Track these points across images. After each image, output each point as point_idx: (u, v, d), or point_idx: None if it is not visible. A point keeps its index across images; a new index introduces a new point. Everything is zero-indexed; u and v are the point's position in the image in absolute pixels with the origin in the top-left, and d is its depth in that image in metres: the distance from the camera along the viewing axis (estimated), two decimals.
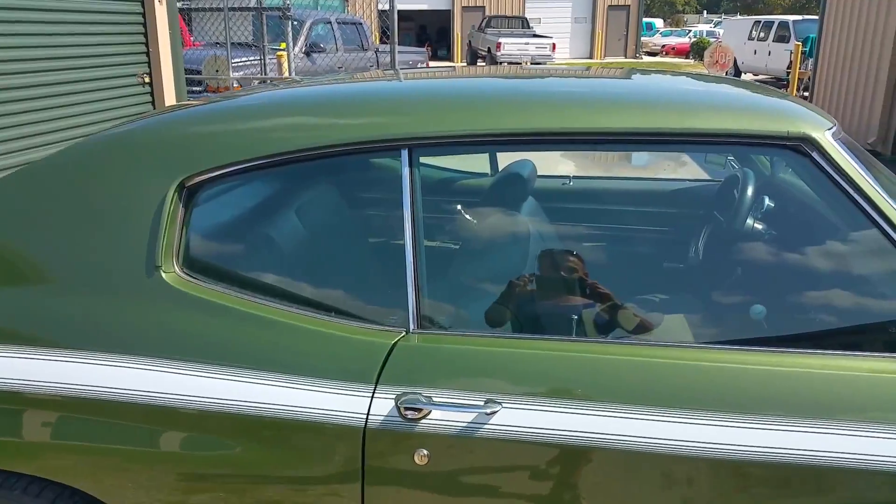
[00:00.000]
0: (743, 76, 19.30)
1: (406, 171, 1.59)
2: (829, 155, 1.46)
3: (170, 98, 6.62)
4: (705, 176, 2.61)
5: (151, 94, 6.54)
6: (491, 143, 1.60)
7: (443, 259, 1.81)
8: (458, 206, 2.06)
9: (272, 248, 1.74)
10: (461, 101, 1.67)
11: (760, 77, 18.68)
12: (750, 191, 1.99)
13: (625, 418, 1.40)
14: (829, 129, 1.52)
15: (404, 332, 1.56)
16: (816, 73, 10.88)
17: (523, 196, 2.33)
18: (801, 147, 1.48)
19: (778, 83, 16.70)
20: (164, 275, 1.60)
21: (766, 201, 2.05)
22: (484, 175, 2.64)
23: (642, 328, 1.92)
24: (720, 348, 1.47)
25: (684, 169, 2.68)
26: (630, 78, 1.91)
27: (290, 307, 1.60)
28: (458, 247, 1.92)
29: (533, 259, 1.94)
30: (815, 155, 1.47)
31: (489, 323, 1.75)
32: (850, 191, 1.44)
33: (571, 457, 1.41)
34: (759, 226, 2.04)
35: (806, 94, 11.77)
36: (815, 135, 1.48)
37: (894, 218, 1.42)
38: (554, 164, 2.74)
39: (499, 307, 1.76)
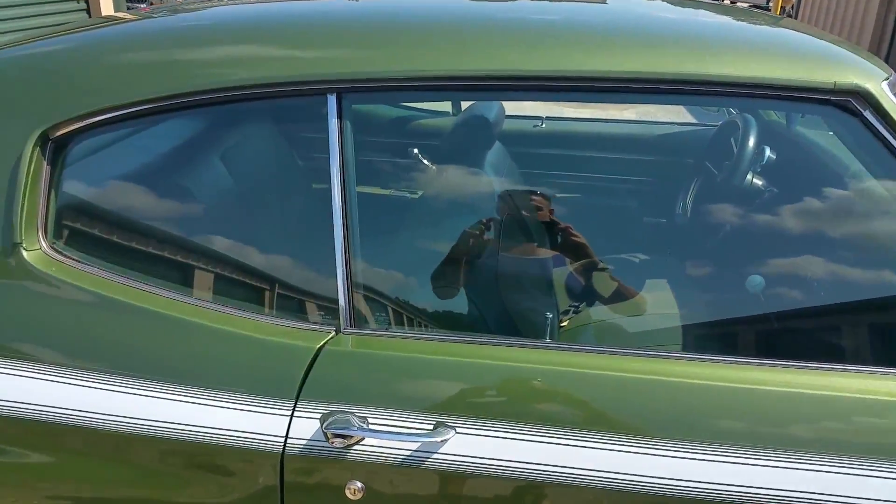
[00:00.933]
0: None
1: (334, 123, 1.21)
2: (889, 113, 1.12)
3: (106, 8, 5.99)
4: (703, 121, 2.26)
5: (87, 2, 5.91)
6: (449, 87, 1.23)
7: (385, 233, 1.45)
8: (408, 157, 1.69)
9: (166, 220, 1.36)
10: (410, 29, 1.29)
11: (739, 4, 18.06)
12: (753, 142, 1.66)
13: (608, 449, 1.10)
14: (887, 80, 1.18)
15: (333, 333, 1.22)
16: (800, 4, 10.44)
17: (488, 143, 1.97)
18: (850, 104, 1.13)
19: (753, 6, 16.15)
20: (25, 253, 1.24)
21: (771, 154, 1.72)
22: (444, 115, 2.26)
23: (620, 296, 1.64)
24: (722, 361, 1.15)
25: (677, 110, 2.32)
26: (629, 4, 1.53)
27: (188, 298, 1.25)
28: (404, 216, 1.57)
29: (497, 221, 1.60)
30: (867, 114, 1.13)
31: (439, 295, 1.42)
32: None
33: (541, 495, 1.11)
34: (763, 184, 1.72)
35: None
36: (870, 86, 1.13)
37: None
38: (523, 103, 2.38)
39: (449, 276, 1.43)
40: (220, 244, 1.32)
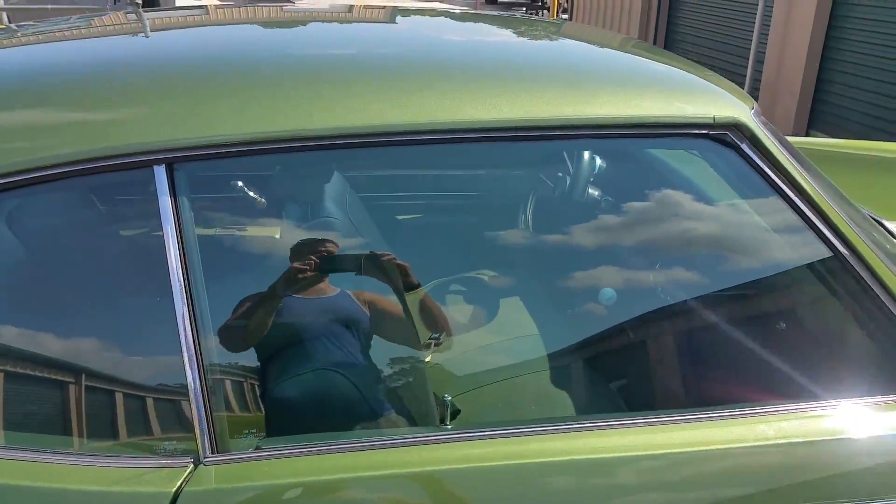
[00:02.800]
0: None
1: (167, 201, 0.97)
2: (763, 143, 1.10)
3: None
4: None
5: None
6: (305, 148, 1.02)
7: (242, 320, 1.21)
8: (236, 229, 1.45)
9: None
10: (251, 77, 1.07)
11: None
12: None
13: None
14: (752, 110, 1.17)
15: (192, 467, 0.97)
16: None
17: (327, 177, 1.78)
18: (727, 136, 1.10)
19: (533, 4, 17.12)
20: None
21: (602, 163, 1.70)
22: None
23: (477, 319, 1.57)
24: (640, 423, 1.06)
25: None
26: (483, 32, 1.42)
27: None
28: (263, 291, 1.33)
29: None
30: (744, 146, 1.10)
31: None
32: (786, 189, 1.10)
33: None
34: (599, 194, 1.70)
35: (565, 15, 12.06)
36: (744, 118, 1.11)
37: (838, 222, 1.11)
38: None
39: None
40: (42, 354, 1.01)
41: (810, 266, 1.16)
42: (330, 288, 1.34)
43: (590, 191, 1.74)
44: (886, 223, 1.72)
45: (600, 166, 1.73)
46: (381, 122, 0.99)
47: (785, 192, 1.10)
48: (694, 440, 1.02)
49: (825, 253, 1.12)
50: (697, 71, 1.30)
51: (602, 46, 1.36)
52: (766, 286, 1.24)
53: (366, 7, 1.83)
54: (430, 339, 1.54)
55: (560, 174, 1.83)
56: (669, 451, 1.01)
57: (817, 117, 6.46)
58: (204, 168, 1.00)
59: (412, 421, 1.30)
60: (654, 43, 9.12)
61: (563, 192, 1.81)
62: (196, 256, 0.99)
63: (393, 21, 1.57)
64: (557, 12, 12.47)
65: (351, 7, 1.87)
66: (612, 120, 1.05)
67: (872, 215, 1.76)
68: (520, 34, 1.47)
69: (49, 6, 6.46)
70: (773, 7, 6.64)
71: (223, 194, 1.20)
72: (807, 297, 1.24)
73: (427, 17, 1.65)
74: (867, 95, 5.85)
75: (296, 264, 1.23)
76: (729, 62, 7.68)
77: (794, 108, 6.49)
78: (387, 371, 1.39)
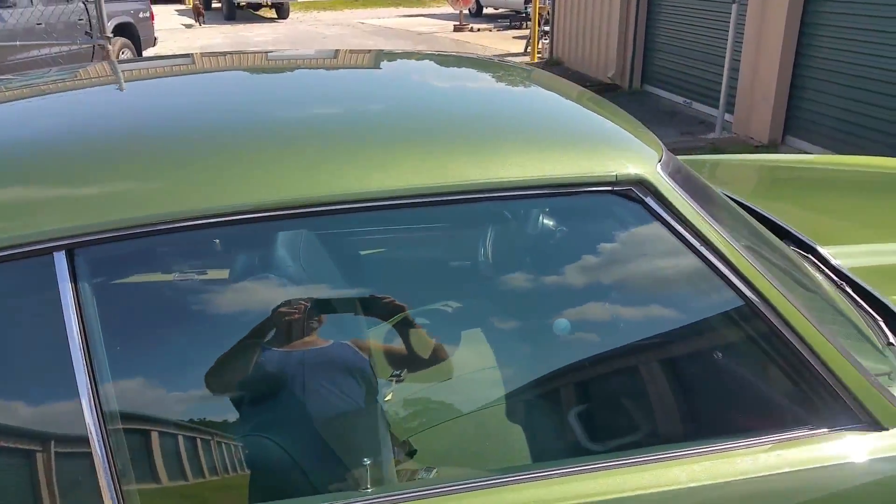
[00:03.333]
0: (484, 10, 19.68)
1: (68, 295, 0.95)
2: (667, 199, 1.14)
3: None
4: None
5: None
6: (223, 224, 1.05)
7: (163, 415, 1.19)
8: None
9: None
10: (167, 151, 1.10)
11: (501, 11, 19.15)
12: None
13: None
14: (660, 161, 1.20)
15: None
16: (555, 7, 11.22)
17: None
18: (632, 192, 1.14)
19: (517, 16, 17.22)
20: None
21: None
22: None
23: (439, 355, 1.58)
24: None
25: None
26: (409, 87, 1.45)
27: None
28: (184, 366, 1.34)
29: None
30: (648, 200, 1.14)
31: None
32: (693, 240, 1.14)
33: None
34: (554, 224, 1.73)
35: (547, 28, 12.14)
36: (647, 173, 1.15)
37: (746, 271, 1.14)
38: None
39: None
40: None
41: (722, 313, 1.20)
42: (319, 340, 1.36)
43: (541, 220, 1.78)
44: (822, 249, 1.76)
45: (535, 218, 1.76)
46: (293, 196, 1.03)
47: (691, 244, 1.14)
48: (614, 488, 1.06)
49: (734, 300, 1.16)
50: (620, 120, 1.34)
51: (528, 100, 1.40)
52: (675, 334, 1.28)
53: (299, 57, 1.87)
54: (391, 376, 1.56)
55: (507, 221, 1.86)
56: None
57: (793, 123, 6.51)
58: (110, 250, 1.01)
59: (366, 469, 1.32)
60: (633, 56, 9.20)
61: (514, 222, 1.85)
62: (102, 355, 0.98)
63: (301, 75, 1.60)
64: (540, 24, 12.54)
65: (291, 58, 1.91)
66: (517, 183, 1.09)
67: (808, 242, 1.80)
68: (451, 87, 1.51)
69: (18, 42, 6.47)
70: (745, 17, 6.70)
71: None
72: (717, 343, 1.28)
73: (351, 69, 1.68)
74: (840, 101, 5.91)
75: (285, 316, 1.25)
76: (706, 71, 7.74)
77: (769, 115, 6.54)
78: (337, 423, 1.41)
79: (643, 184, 1.13)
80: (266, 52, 1.88)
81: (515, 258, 1.49)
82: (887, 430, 1.20)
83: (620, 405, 1.32)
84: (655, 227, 1.15)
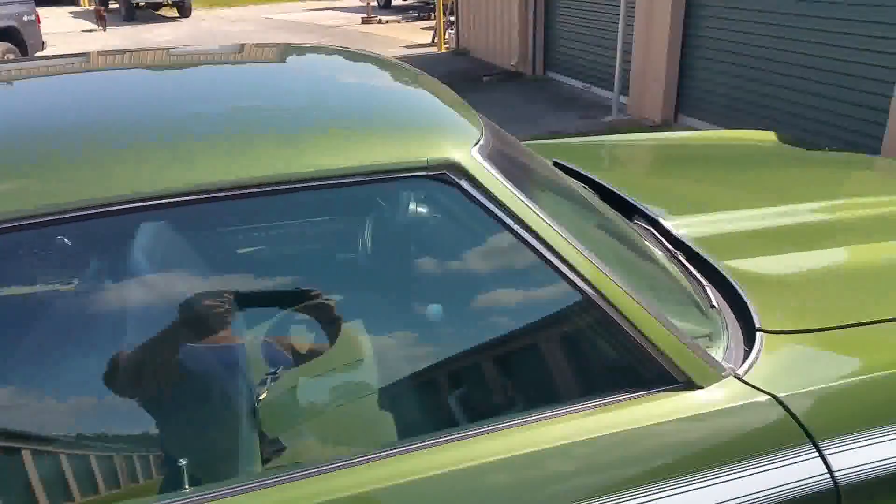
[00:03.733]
0: (393, 1, 19.60)
1: None
2: (480, 182, 1.17)
3: None
4: None
5: None
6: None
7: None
8: None
9: None
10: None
11: (409, 2, 19.12)
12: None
13: None
14: (476, 144, 1.24)
15: None
16: None
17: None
18: (446, 176, 1.17)
19: (425, 6, 17.23)
20: None
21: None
22: None
23: (316, 349, 1.59)
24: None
25: None
26: (233, 81, 1.44)
27: None
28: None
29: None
30: (463, 183, 1.17)
31: None
32: (509, 221, 1.18)
33: None
34: (428, 211, 1.76)
35: (452, 18, 12.20)
36: (460, 157, 1.18)
37: (562, 249, 1.20)
38: None
39: None
40: None
41: (543, 290, 1.25)
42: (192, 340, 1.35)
43: (415, 209, 1.80)
44: (664, 222, 1.85)
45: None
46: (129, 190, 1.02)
47: (508, 224, 1.18)
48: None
49: (553, 277, 1.21)
50: (444, 104, 1.36)
51: (356, 88, 1.42)
52: (499, 312, 1.33)
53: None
54: (266, 374, 1.55)
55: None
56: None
57: (684, 102, 6.77)
58: None
59: (229, 467, 1.32)
60: (535, 44, 9.36)
61: (390, 212, 1.87)
62: None
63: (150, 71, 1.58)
64: (445, 14, 12.60)
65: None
66: (329, 172, 1.11)
67: (653, 215, 1.88)
68: (279, 78, 1.51)
69: None
70: (634, 2, 6.91)
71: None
72: (541, 319, 1.34)
73: (197, 64, 1.66)
74: (726, 79, 6.18)
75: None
76: (603, 56, 7.95)
77: (661, 95, 6.78)
78: (203, 422, 1.40)
79: (457, 167, 1.17)
80: (126, 51, 1.84)
81: (343, 248, 1.51)
82: (703, 388, 1.28)
83: (454, 384, 1.36)
84: (474, 210, 1.19)
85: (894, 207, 2.18)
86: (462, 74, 9.80)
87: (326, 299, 1.48)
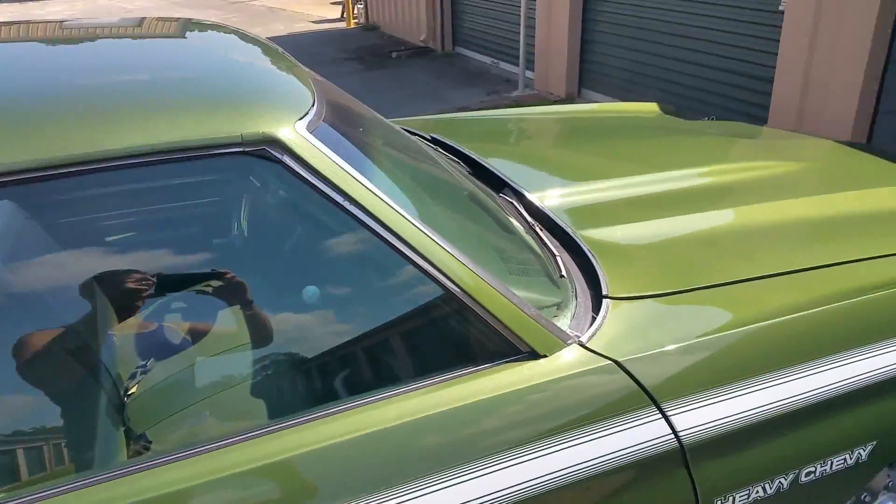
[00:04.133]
0: None
1: None
2: (303, 157, 1.13)
3: None
4: None
5: None
6: None
7: None
8: None
9: None
10: None
11: None
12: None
13: None
14: (304, 118, 1.19)
15: None
16: None
17: None
18: (266, 152, 1.12)
19: None
20: None
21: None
22: None
23: (192, 337, 1.53)
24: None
25: None
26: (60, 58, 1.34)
27: None
28: None
29: None
30: (286, 160, 1.13)
31: None
32: (339, 198, 1.15)
33: None
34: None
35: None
36: (281, 133, 1.13)
37: (396, 226, 1.17)
38: None
39: None
40: None
41: (381, 268, 1.23)
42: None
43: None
44: (528, 195, 1.85)
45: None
46: None
47: (339, 203, 1.14)
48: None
49: (392, 255, 1.18)
50: (281, 70, 1.30)
51: (177, 59, 1.34)
52: (335, 290, 1.30)
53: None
54: (136, 367, 1.48)
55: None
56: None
57: (587, 77, 6.86)
58: None
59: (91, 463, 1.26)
60: (442, 20, 9.29)
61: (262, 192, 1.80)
62: None
63: None
64: None
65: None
66: (136, 150, 1.04)
67: (518, 188, 1.89)
68: (114, 55, 1.42)
69: None
70: None
71: None
72: (381, 297, 1.32)
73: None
74: (625, 53, 6.28)
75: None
76: (509, 31, 7.97)
77: (564, 70, 6.85)
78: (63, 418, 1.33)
79: (277, 143, 1.12)
80: None
81: (171, 230, 1.44)
82: (546, 357, 1.28)
83: (296, 372, 1.33)
84: (301, 188, 1.14)
85: (759, 173, 2.25)
86: (370, 50, 9.67)
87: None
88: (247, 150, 1.10)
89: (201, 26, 1.74)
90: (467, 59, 8.97)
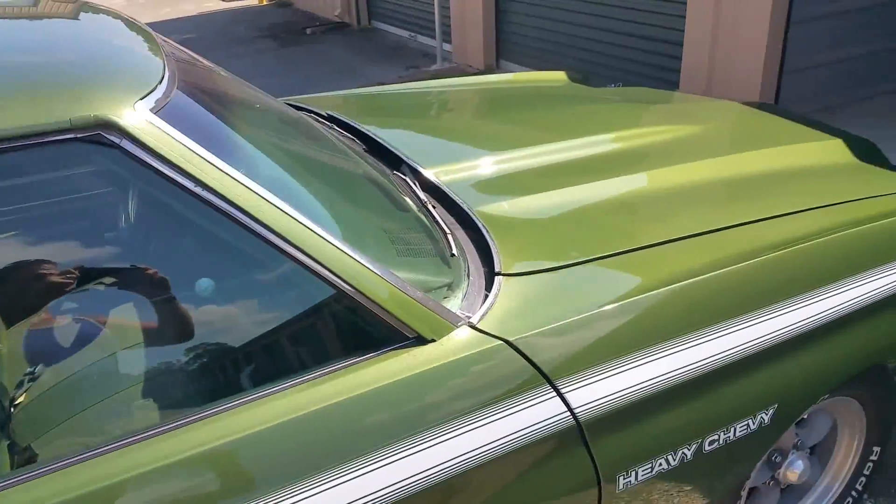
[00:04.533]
0: None
1: None
2: (141, 140, 1.01)
3: None
4: None
5: None
6: None
7: None
8: None
9: None
10: None
11: None
12: None
13: None
14: (146, 97, 1.07)
15: None
16: None
17: None
18: (102, 137, 1.00)
19: None
20: None
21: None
22: None
23: (85, 338, 1.42)
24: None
25: None
26: None
27: None
28: None
29: None
30: (125, 144, 1.01)
31: None
32: (189, 184, 1.04)
33: None
34: None
35: None
36: (116, 115, 1.01)
37: (258, 211, 1.07)
38: None
39: None
40: None
41: (248, 256, 1.14)
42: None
43: None
44: (424, 171, 1.77)
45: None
46: None
47: (190, 189, 1.04)
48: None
49: (256, 242, 1.09)
50: (126, 46, 1.18)
51: (16, 41, 1.21)
52: (189, 281, 1.20)
53: None
54: (24, 374, 1.36)
55: None
56: None
57: (504, 48, 6.81)
58: None
59: None
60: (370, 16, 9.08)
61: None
62: None
63: None
64: None
65: None
66: None
67: (412, 164, 1.81)
68: None
69: None
70: None
71: None
72: (255, 287, 1.23)
73: None
74: (538, 22, 6.25)
75: None
76: (426, 4, 7.82)
77: (481, 42, 6.78)
78: None
79: (112, 126, 1.00)
80: None
81: (26, 226, 1.32)
82: (434, 341, 1.22)
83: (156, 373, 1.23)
84: (145, 174, 1.03)
85: (662, 137, 2.23)
86: (284, 27, 9.38)
87: None
88: (79, 135, 0.98)
89: (88, 8, 1.59)
90: (384, 34, 8.80)
